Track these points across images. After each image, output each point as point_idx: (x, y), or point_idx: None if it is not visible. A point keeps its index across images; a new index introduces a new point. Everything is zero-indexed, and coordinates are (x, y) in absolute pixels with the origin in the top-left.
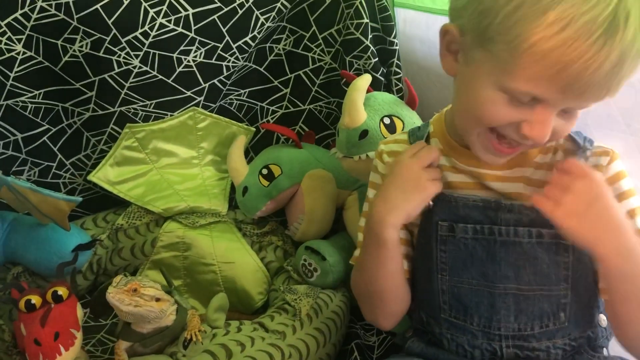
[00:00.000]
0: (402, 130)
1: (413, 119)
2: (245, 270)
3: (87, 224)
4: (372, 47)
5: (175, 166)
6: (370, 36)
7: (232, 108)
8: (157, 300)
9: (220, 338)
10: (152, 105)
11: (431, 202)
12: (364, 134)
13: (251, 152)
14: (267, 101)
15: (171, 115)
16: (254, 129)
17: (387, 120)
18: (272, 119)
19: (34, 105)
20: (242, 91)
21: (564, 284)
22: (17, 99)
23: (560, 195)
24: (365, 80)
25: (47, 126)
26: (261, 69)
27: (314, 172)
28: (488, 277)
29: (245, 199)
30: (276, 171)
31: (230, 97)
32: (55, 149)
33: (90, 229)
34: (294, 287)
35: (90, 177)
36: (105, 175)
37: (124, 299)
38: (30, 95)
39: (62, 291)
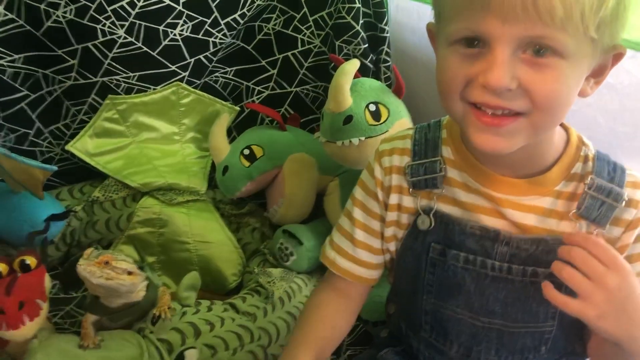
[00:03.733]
0: (387, 119)
1: (399, 108)
2: (221, 250)
3: (62, 195)
4: (362, 33)
5: (155, 141)
6: (361, 21)
7: (217, 86)
8: (129, 274)
9: (189, 316)
10: (135, 77)
11: (432, 221)
12: (349, 119)
13: (234, 131)
14: (253, 81)
15: (154, 89)
16: (238, 109)
17: (372, 107)
18: (257, 99)
19: (13, 70)
20: (228, 69)
21: (551, 321)
22: None
23: (591, 291)
24: (353, 65)
25: (26, 92)
26: (249, 48)
27: (297, 156)
28: (473, 309)
29: (225, 179)
30: (258, 152)
31: (216, 74)
32: (33, 116)
33: (66, 199)
34: (268, 270)
35: (68, 147)
36: (83, 146)
37: (95, 271)
38: (9, 59)
39: (30, 260)
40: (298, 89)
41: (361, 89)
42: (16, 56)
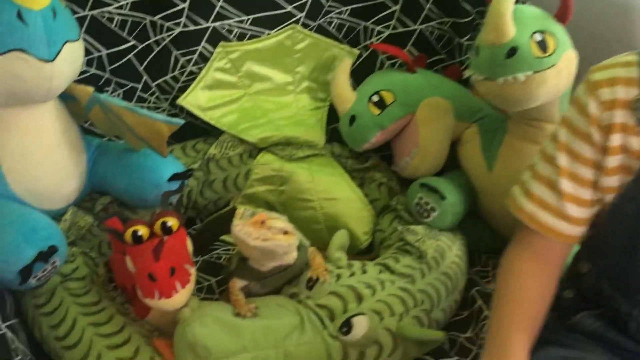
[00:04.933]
0: (555, 50)
1: (565, 37)
2: (349, 207)
3: (175, 153)
4: None
5: (268, 92)
6: None
7: (331, 28)
8: (285, 233)
9: (346, 280)
10: (249, 21)
11: None
12: (512, 51)
13: (350, 78)
14: (372, 20)
15: (268, 34)
16: (358, 52)
17: (538, 37)
18: (376, 40)
19: (120, 18)
20: (344, 8)
21: None
22: (103, 10)
23: None
24: None
25: (134, 42)
26: None
27: (431, 101)
28: None
29: (353, 130)
30: (388, 98)
31: (331, 15)
32: (140, 69)
33: (180, 158)
34: (412, 227)
35: (180, 102)
36: (195, 99)
37: (252, 232)
38: (116, 5)
39: (172, 222)
40: (422, 26)
41: (522, 17)
42: (123, 2)
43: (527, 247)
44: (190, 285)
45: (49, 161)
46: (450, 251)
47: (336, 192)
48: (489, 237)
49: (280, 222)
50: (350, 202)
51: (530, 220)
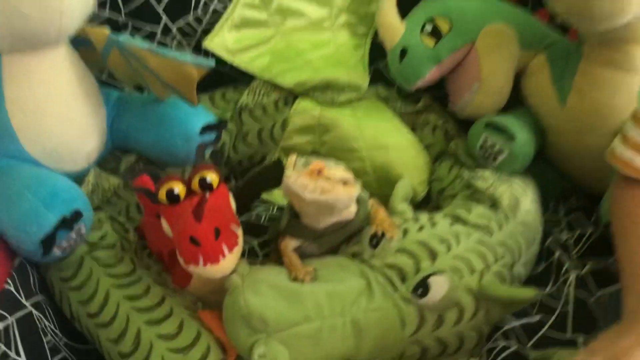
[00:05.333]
0: None
1: None
2: (402, 155)
3: (202, 103)
4: None
5: (303, 30)
6: None
7: None
8: (344, 184)
9: (415, 234)
10: None
11: None
12: None
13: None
14: None
15: None
16: None
17: None
18: None
19: None
20: None
21: None
22: None
23: None
24: None
25: None
26: None
27: (493, 28)
28: None
29: (404, 65)
30: (444, 27)
31: None
32: (159, 10)
33: (208, 109)
34: (480, 172)
35: (207, 45)
36: (222, 41)
37: (307, 183)
38: None
39: (211, 177)
40: None
41: None
42: None
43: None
44: (239, 248)
45: (64, 116)
46: (525, 197)
47: (386, 138)
48: (557, 181)
49: (339, 171)
50: (402, 149)
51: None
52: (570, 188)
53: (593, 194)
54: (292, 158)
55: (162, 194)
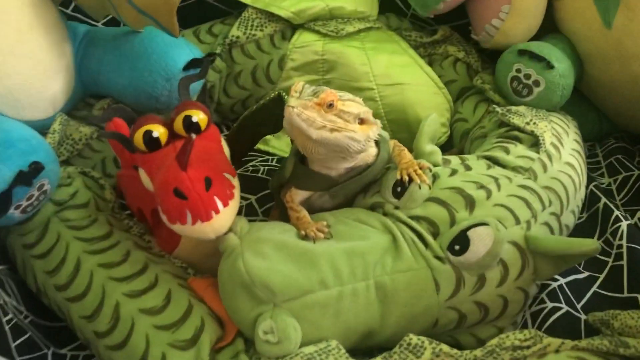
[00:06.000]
0: None
1: None
2: (419, 93)
3: (186, 39)
4: None
5: None
6: None
7: None
8: (361, 122)
9: (446, 180)
10: None
11: None
12: None
13: None
14: None
15: None
16: None
17: None
18: None
19: None
20: None
21: None
22: None
23: None
24: None
25: None
26: None
27: None
28: None
29: None
30: None
31: None
32: None
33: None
34: (514, 108)
35: None
36: None
37: (315, 118)
38: None
39: (197, 117)
40: None
41: None
42: None
43: None
44: (235, 202)
45: (21, 52)
46: (567, 135)
47: (400, 75)
48: (594, 119)
49: (355, 105)
50: (419, 86)
51: None
52: (608, 127)
53: (633, 135)
54: (299, 84)
55: (138, 139)
